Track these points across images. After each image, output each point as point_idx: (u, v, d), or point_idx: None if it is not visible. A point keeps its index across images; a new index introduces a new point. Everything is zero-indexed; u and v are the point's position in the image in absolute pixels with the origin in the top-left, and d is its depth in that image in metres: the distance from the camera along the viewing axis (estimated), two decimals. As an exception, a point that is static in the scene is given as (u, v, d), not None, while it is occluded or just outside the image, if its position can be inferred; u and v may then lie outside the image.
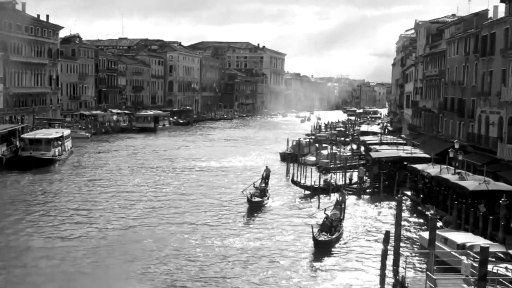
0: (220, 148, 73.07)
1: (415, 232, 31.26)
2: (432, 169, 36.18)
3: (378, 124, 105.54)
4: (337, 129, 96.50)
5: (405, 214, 34.28)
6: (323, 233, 28.47)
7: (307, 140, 68.18)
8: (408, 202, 38.44)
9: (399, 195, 31.63)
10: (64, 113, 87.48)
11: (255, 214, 34.80)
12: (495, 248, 23.53)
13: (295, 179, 43.77)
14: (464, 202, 30.05)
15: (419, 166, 38.41)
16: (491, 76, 41.19)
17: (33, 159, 51.20)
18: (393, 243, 22.87)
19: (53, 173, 49.44)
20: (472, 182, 30.57)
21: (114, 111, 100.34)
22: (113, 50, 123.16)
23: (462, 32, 49.35)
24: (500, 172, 35.19)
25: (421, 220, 34.00)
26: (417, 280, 21.24)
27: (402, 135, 68.31)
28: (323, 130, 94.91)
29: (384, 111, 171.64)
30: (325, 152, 57.82)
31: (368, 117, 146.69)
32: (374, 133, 73.92)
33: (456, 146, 36.87)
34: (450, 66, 52.05)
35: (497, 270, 20.87)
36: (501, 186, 30.73)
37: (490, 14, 47.08)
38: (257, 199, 36.89)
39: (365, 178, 44.20)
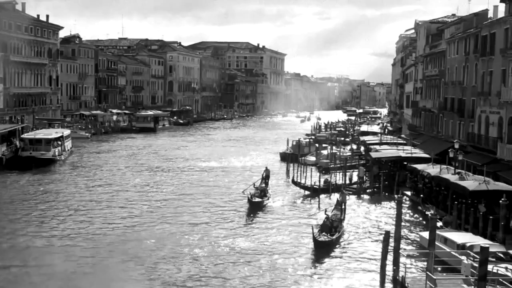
0: (220, 148, 73.07)
1: (415, 232, 31.24)
2: (432, 169, 36.20)
3: (378, 124, 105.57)
4: (337, 129, 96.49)
5: (405, 214, 34.28)
6: (323, 233, 28.46)
7: (307, 140, 68.14)
8: (408, 202, 38.42)
9: (399, 195, 31.75)
10: (64, 113, 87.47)
11: (256, 215, 34.78)
12: (495, 248, 23.54)
13: (295, 179, 43.76)
14: (464, 202, 30.04)
15: (419, 166, 38.42)
16: (491, 76, 41.19)
17: (33, 159, 51.21)
18: (393, 243, 22.86)
19: (53, 173, 49.44)
20: (472, 182, 30.58)
21: (114, 111, 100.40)
22: (113, 50, 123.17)
23: (462, 32, 49.35)
24: (500, 172, 35.18)
25: (421, 220, 34.00)
26: (417, 280, 21.25)
27: (402, 135, 68.29)
28: (323, 130, 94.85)
29: (384, 111, 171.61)
30: (325, 152, 57.80)
31: (368, 117, 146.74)
32: (374, 133, 73.94)
33: (456, 146, 36.85)
34: (450, 66, 52.04)
35: (497, 270, 20.89)
36: (501, 186, 30.73)
37: (490, 14, 47.09)
38: (257, 199, 36.88)
39: (365, 178, 44.20)
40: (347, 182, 43.49)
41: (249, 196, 36.96)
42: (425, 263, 21.86)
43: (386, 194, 40.86)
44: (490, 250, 19.20)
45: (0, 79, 69.00)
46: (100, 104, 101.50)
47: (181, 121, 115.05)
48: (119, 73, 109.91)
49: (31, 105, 77.04)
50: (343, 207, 34.12)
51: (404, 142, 55.70)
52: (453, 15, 65.26)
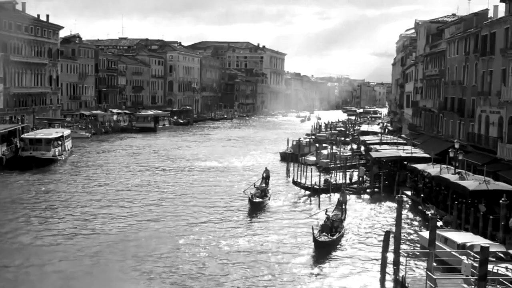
0: (220, 148, 73.07)
1: (415, 232, 31.25)
2: (432, 169, 36.20)
3: (378, 124, 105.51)
4: (337, 129, 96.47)
5: (405, 214, 34.30)
6: (324, 233, 28.45)
7: (307, 140, 68.16)
8: (408, 202, 38.41)
9: (399, 195, 31.68)
10: (64, 113, 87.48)
11: (256, 215, 34.77)
12: (495, 248, 23.55)
13: (295, 179, 43.76)
14: (464, 202, 30.04)
15: (419, 166, 38.42)
16: (491, 75, 41.18)
17: (33, 159, 51.22)
18: (393, 243, 22.86)
19: (53, 173, 49.43)
20: (472, 182, 30.57)
21: (114, 111, 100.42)
22: (113, 50, 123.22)
23: (462, 32, 49.35)
24: (500, 171, 35.18)
25: (421, 220, 33.99)
26: (418, 280, 21.25)
27: (402, 135, 68.30)
28: (323, 130, 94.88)
29: (384, 111, 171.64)
30: (325, 152, 57.79)
31: (368, 117, 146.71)
32: (374, 133, 73.90)
33: (456, 146, 36.84)
34: (450, 65, 52.04)
35: (497, 270, 20.89)
36: (501, 186, 30.73)
37: (490, 14, 47.10)
38: (258, 199, 36.86)
39: (365, 178, 44.20)
40: (347, 182, 43.49)
41: (250, 196, 36.94)
42: (425, 263, 21.86)
43: (386, 194, 40.86)
44: (490, 250, 19.19)
45: (0, 79, 69.01)
46: (100, 104, 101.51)
47: (181, 121, 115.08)
48: (119, 73, 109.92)
49: (31, 105, 77.05)
50: (344, 207, 34.15)
51: (404, 142, 55.72)
52: (453, 15, 65.27)
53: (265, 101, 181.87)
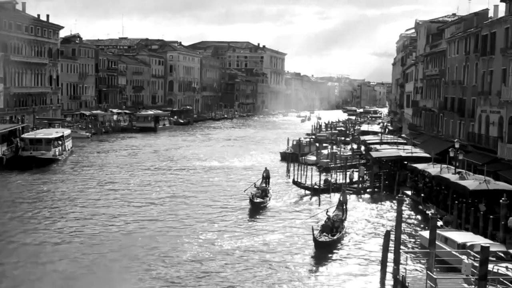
0: (220, 147, 73.09)
1: (415, 231, 31.25)
2: (432, 169, 36.20)
3: (379, 124, 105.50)
4: (338, 128, 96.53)
5: (406, 213, 34.28)
6: (324, 234, 28.44)
7: (308, 139, 68.17)
8: (409, 202, 38.41)
9: (399, 195, 31.73)
10: (64, 113, 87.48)
11: (256, 215, 34.75)
12: (496, 247, 23.55)
13: (295, 179, 43.75)
14: (464, 202, 30.04)
15: (419, 166, 38.41)
16: (491, 75, 41.18)
17: (34, 159, 51.22)
18: (393, 243, 22.85)
19: (53, 173, 49.43)
20: (472, 182, 30.57)
21: (115, 111, 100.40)
22: (114, 50, 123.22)
23: (462, 32, 49.35)
24: (501, 171, 35.20)
25: (422, 220, 33.98)
26: (418, 280, 21.24)
27: (403, 135, 68.29)
28: (324, 129, 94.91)
29: (384, 111, 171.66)
30: (325, 151, 57.80)
31: (368, 116, 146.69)
32: (374, 133, 73.88)
33: (457, 145, 36.85)
34: (451, 65, 52.03)
35: (498, 269, 20.90)
36: (502, 185, 30.73)
37: (491, 14, 47.10)
38: (259, 199, 36.83)
39: (365, 177, 44.19)
40: (348, 181, 43.49)
41: (251, 196, 36.91)
42: (426, 263, 21.86)
43: (387, 193, 40.86)
44: (491, 249, 19.20)
45: (1, 79, 69.02)
46: (101, 104, 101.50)
47: (182, 121, 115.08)
48: (119, 73, 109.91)
49: (32, 105, 77.05)
50: (344, 207, 34.12)
51: (405, 141, 55.71)
52: (454, 14, 65.26)
53: (265, 101, 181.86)
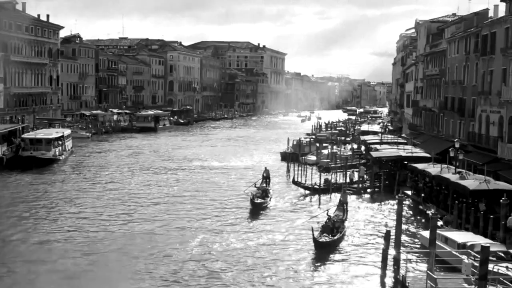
0: (220, 147, 73.09)
1: (415, 231, 31.24)
2: (432, 169, 36.18)
3: (379, 124, 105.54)
4: (338, 128, 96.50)
5: (406, 213, 34.28)
6: (324, 234, 28.42)
7: (308, 139, 68.15)
8: (409, 202, 38.41)
9: (399, 195, 31.69)
10: (64, 113, 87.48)
11: (257, 215, 34.73)
12: (496, 247, 23.55)
13: (295, 179, 43.74)
14: (464, 202, 30.05)
15: (419, 166, 38.39)
16: (491, 75, 41.18)
17: (34, 159, 51.22)
18: (393, 243, 22.85)
19: (53, 173, 49.43)
20: (472, 182, 30.57)
21: (115, 111, 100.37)
22: (114, 50, 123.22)
23: (462, 31, 49.35)
24: (501, 171, 35.19)
25: (422, 220, 33.98)
26: (418, 280, 21.24)
27: (403, 135, 68.27)
28: (324, 129, 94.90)
29: (384, 111, 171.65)
30: (325, 151, 57.80)
31: (368, 116, 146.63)
32: (374, 133, 73.85)
33: (457, 145, 36.84)
34: (451, 65, 52.03)
35: (498, 269, 20.90)
36: (502, 185, 30.72)
37: (491, 13, 47.11)
38: (259, 200, 36.79)
39: (365, 177, 44.18)
40: (348, 181, 43.49)
41: (251, 196, 36.87)
42: (426, 263, 21.86)
43: (387, 193, 40.83)
44: (491, 249, 19.19)
45: (1, 79, 69.03)
46: (101, 104, 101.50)
47: (182, 121, 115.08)
48: (119, 73, 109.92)
49: (32, 105, 77.06)
50: (345, 207, 34.10)
51: (405, 141, 55.66)
52: (454, 14, 65.26)
53: (266, 101, 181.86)
